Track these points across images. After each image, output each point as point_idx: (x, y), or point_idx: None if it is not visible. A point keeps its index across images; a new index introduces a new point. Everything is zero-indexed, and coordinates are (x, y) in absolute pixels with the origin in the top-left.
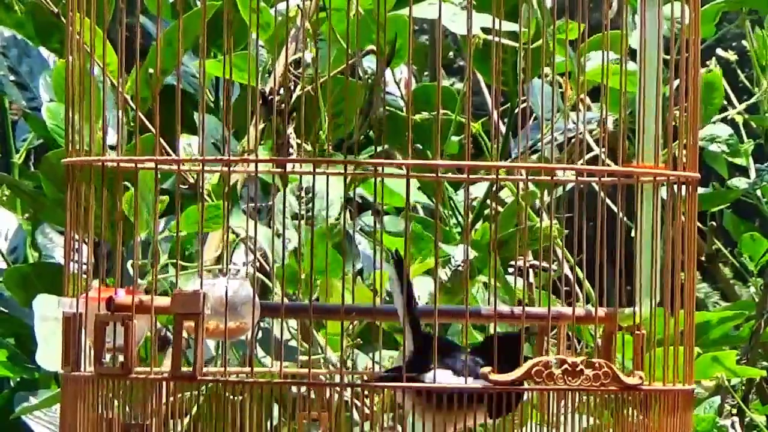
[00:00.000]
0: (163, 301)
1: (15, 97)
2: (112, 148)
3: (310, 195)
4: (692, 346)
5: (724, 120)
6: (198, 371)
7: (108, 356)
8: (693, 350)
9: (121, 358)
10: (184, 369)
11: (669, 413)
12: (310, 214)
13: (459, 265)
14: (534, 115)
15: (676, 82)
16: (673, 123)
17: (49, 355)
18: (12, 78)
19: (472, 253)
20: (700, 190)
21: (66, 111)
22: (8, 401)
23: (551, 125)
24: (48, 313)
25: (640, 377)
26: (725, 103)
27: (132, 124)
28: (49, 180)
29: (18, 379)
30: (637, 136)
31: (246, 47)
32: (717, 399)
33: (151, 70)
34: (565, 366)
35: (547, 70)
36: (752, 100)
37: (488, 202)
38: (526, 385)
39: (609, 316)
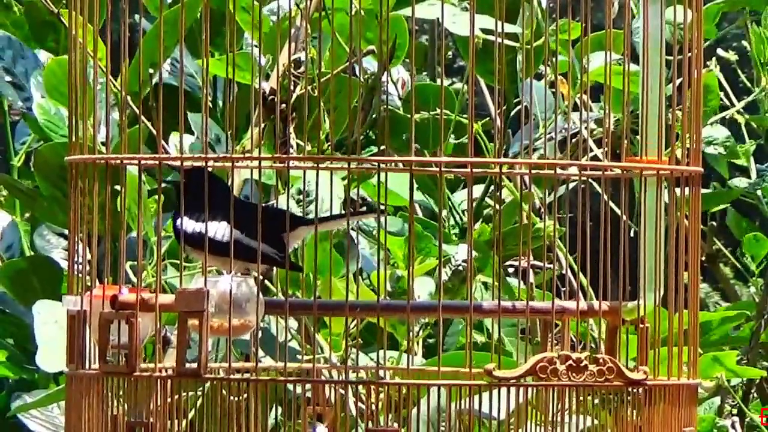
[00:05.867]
0: (168, 299)
1: (12, 97)
2: (103, 144)
3: (311, 197)
4: (696, 338)
5: (723, 120)
6: (202, 368)
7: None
8: (697, 344)
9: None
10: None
11: (674, 407)
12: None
13: (459, 265)
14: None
15: (679, 81)
16: (676, 118)
17: (49, 358)
18: (8, 79)
19: (473, 253)
20: (701, 190)
21: (69, 109)
22: (6, 402)
23: (545, 124)
24: (48, 318)
25: (645, 372)
26: (726, 102)
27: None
28: (42, 175)
29: (17, 379)
30: (641, 131)
31: (242, 46)
32: (717, 399)
33: (151, 70)
34: (570, 362)
35: (544, 69)
36: (751, 98)
37: (486, 200)
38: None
39: (612, 310)
